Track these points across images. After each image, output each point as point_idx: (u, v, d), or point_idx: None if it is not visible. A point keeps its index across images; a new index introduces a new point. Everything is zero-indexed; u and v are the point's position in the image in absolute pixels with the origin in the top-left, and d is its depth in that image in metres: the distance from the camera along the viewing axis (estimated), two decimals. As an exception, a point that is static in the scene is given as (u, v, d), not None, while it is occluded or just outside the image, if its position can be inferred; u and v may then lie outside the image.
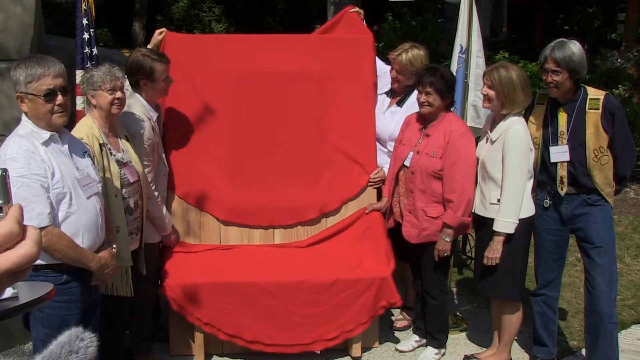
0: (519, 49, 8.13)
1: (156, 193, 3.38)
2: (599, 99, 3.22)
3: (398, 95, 3.98)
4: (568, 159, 3.28)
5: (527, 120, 3.47)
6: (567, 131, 3.28)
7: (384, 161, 3.92)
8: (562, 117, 3.30)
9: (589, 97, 3.24)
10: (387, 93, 4.06)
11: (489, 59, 7.06)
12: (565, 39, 3.27)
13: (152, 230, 3.46)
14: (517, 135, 3.29)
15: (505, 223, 3.29)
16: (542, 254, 3.49)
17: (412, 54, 3.80)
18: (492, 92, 3.33)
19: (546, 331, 3.56)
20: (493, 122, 3.48)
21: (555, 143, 3.31)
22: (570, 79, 3.22)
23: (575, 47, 3.19)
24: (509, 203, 3.28)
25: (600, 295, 3.30)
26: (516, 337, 3.75)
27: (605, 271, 3.29)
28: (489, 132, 3.44)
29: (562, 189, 3.32)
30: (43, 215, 2.38)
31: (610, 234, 3.33)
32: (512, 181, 3.27)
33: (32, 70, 2.44)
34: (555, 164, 3.32)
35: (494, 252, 3.33)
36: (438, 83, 3.41)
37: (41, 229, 2.35)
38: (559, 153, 3.30)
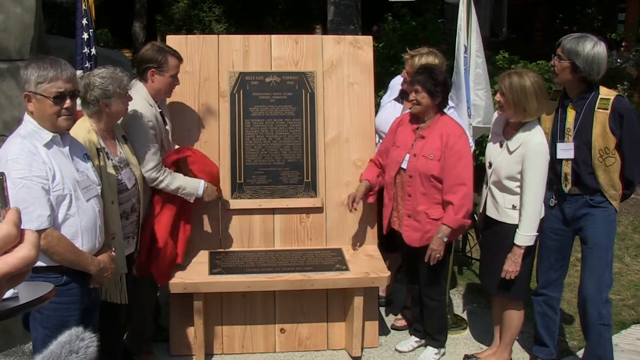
0: (519, 49, 8.12)
1: (161, 172, 3.33)
2: (609, 99, 3.16)
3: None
4: (572, 156, 3.24)
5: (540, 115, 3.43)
6: (574, 128, 3.24)
7: None
8: (571, 114, 3.26)
9: (599, 96, 3.19)
10: (397, 99, 4.05)
11: (489, 59, 7.05)
12: (590, 36, 3.19)
13: None
14: (539, 150, 3.22)
15: (527, 237, 3.28)
16: (545, 252, 3.48)
17: (426, 59, 3.75)
18: (502, 100, 3.29)
19: (547, 331, 3.55)
20: (506, 125, 3.40)
21: (562, 140, 3.28)
22: (574, 72, 3.16)
23: (590, 45, 3.12)
24: (532, 218, 3.26)
25: (586, 298, 3.29)
26: (517, 337, 3.75)
27: (595, 274, 3.25)
28: (505, 140, 3.36)
29: (566, 186, 3.29)
30: (43, 218, 2.38)
31: (607, 237, 3.28)
32: (535, 197, 3.24)
33: (45, 71, 2.45)
34: (561, 160, 3.28)
35: (515, 265, 3.32)
36: (426, 82, 3.39)
37: (41, 231, 2.36)
38: (565, 150, 3.26)
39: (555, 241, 3.43)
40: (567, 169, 3.28)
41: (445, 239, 3.41)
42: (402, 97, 4.02)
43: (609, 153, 3.16)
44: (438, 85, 3.39)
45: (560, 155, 3.28)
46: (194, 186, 3.44)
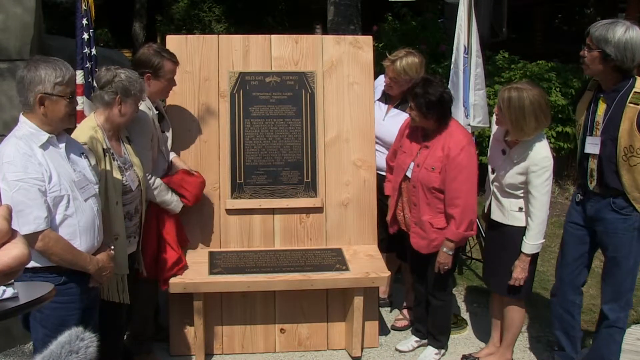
0: (519, 49, 8.11)
1: (152, 180, 3.33)
2: None
3: (395, 99, 3.98)
4: (598, 152, 3.05)
5: (576, 106, 3.32)
6: (603, 122, 3.04)
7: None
8: (601, 107, 3.06)
9: (634, 90, 2.95)
10: (380, 99, 4.06)
11: (489, 59, 7.06)
12: (622, 21, 2.99)
13: None
14: (544, 165, 3.18)
15: (535, 245, 3.29)
16: (564, 248, 3.40)
17: (406, 61, 3.75)
18: (500, 115, 3.25)
19: (565, 335, 3.45)
20: (507, 132, 3.34)
21: (591, 134, 3.10)
22: (605, 62, 2.95)
23: (621, 30, 2.89)
24: (539, 228, 3.25)
25: (604, 300, 3.26)
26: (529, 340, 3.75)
27: (615, 281, 3.18)
28: (508, 148, 3.33)
29: (591, 183, 3.14)
30: (40, 220, 2.37)
31: (630, 246, 3.09)
32: (541, 207, 3.22)
33: (61, 72, 2.48)
34: (588, 155, 3.12)
35: (524, 271, 3.32)
36: (419, 100, 3.34)
37: (38, 233, 2.36)
38: (592, 145, 3.08)
39: (574, 237, 3.32)
40: (593, 164, 3.12)
41: (450, 253, 3.42)
42: (386, 98, 4.04)
43: (633, 152, 2.94)
44: (430, 107, 3.32)
45: (587, 149, 3.12)
46: (177, 205, 3.46)
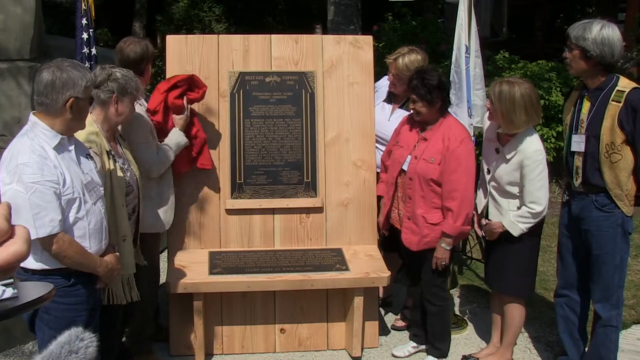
0: (519, 49, 8.12)
1: (158, 163, 3.35)
2: (625, 91, 2.99)
3: (399, 98, 3.98)
4: (583, 149, 3.11)
5: (563, 105, 3.36)
6: (587, 120, 3.11)
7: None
8: (586, 105, 3.13)
9: (616, 88, 3.02)
10: (385, 100, 4.07)
11: (489, 59, 7.07)
12: (597, 20, 3.08)
13: (152, 222, 3.43)
14: (536, 159, 3.21)
15: (519, 229, 3.30)
16: (561, 250, 3.41)
17: (409, 58, 3.78)
18: (491, 108, 3.27)
19: (570, 337, 3.44)
20: (498, 127, 3.37)
21: (577, 131, 3.16)
22: (586, 59, 3.03)
23: (597, 28, 3.00)
24: (532, 220, 3.28)
25: (594, 299, 3.26)
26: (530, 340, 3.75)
27: (603, 279, 3.18)
28: (501, 146, 3.35)
29: (577, 180, 3.18)
30: (55, 222, 2.37)
31: (614, 242, 3.12)
32: (539, 201, 3.23)
33: (91, 75, 2.53)
34: (574, 153, 3.17)
35: (494, 235, 3.36)
36: (421, 89, 3.35)
37: (52, 236, 2.37)
38: (577, 142, 3.14)
39: (567, 238, 3.34)
40: (578, 162, 3.16)
41: (448, 248, 3.41)
42: (391, 98, 4.04)
43: (614, 149, 3.00)
44: (433, 91, 3.35)
45: (573, 147, 3.17)
46: (180, 144, 3.47)
